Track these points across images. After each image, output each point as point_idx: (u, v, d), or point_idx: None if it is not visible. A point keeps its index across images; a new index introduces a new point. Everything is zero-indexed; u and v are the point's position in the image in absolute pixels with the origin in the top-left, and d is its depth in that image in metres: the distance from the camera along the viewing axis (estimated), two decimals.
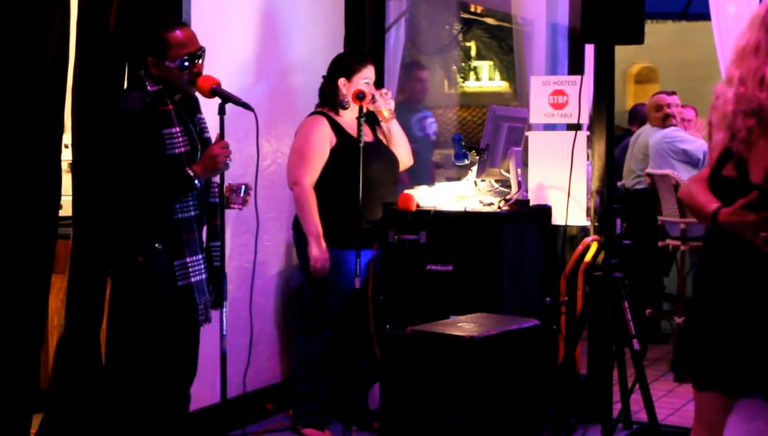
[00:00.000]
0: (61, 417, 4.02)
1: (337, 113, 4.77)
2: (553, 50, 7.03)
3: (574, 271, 4.96)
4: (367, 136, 4.73)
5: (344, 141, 4.69)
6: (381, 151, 4.86)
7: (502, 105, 6.33)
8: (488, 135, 4.88)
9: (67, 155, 4.06)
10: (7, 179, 3.69)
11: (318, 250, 4.63)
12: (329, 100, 4.77)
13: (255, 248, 4.26)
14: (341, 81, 4.74)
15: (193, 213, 3.81)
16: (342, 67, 4.78)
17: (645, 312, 6.40)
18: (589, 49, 5.36)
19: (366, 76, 4.77)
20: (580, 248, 4.96)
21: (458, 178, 5.09)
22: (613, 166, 4.88)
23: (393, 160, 4.91)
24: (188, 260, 3.79)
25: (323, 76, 4.83)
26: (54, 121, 3.81)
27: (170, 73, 3.78)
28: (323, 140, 4.70)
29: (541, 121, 5.25)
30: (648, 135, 6.97)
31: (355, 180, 4.40)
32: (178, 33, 3.81)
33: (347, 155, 4.58)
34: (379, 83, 5.37)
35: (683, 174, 6.28)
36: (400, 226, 4.66)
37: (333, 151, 4.71)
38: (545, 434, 4.53)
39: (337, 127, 4.74)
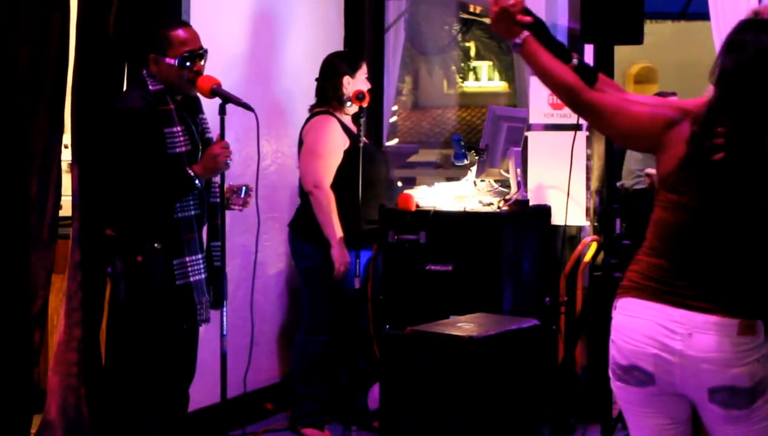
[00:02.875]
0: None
1: (342, 112, 4.76)
2: None
3: (574, 271, 4.96)
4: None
5: (353, 141, 4.68)
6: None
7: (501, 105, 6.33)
8: (488, 135, 4.89)
9: (67, 155, 4.06)
10: (7, 179, 3.69)
11: (341, 253, 4.59)
12: (332, 99, 4.74)
13: (255, 248, 4.26)
14: (345, 79, 4.73)
15: (193, 212, 3.81)
16: (344, 65, 4.76)
17: None
18: (589, 49, 5.36)
19: (365, 71, 4.78)
20: (580, 247, 4.96)
21: (458, 178, 5.10)
22: (612, 166, 4.87)
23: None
24: (187, 259, 3.78)
25: (316, 79, 4.82)
26: (54, 121, 3.81)
27: (170, 70, 3.78)
28: (338, 139, 4.67)
29: (540, 122, 5.25)
30: None
31: (358, 180, 4.39)
32: (180, 31, 3.81)
33: (354, 155, 4.56)
34: (378, 83, 5.37)
35: None
36: (399, 226, 4.66)
37: (345, 152, 4.69)
38: (545, 434, 4.53)
39: (344, 127, 4.73)
